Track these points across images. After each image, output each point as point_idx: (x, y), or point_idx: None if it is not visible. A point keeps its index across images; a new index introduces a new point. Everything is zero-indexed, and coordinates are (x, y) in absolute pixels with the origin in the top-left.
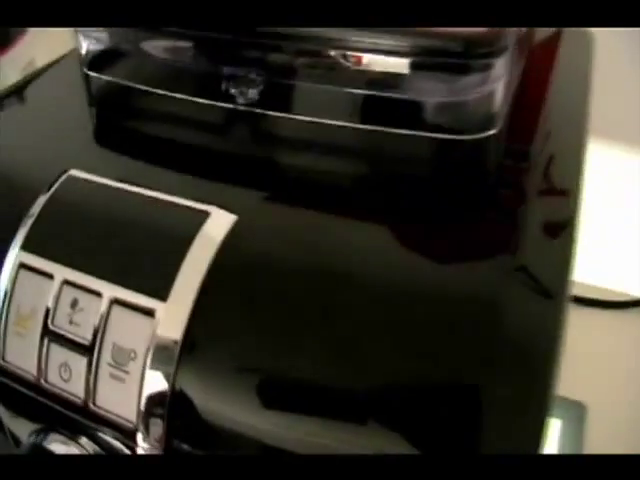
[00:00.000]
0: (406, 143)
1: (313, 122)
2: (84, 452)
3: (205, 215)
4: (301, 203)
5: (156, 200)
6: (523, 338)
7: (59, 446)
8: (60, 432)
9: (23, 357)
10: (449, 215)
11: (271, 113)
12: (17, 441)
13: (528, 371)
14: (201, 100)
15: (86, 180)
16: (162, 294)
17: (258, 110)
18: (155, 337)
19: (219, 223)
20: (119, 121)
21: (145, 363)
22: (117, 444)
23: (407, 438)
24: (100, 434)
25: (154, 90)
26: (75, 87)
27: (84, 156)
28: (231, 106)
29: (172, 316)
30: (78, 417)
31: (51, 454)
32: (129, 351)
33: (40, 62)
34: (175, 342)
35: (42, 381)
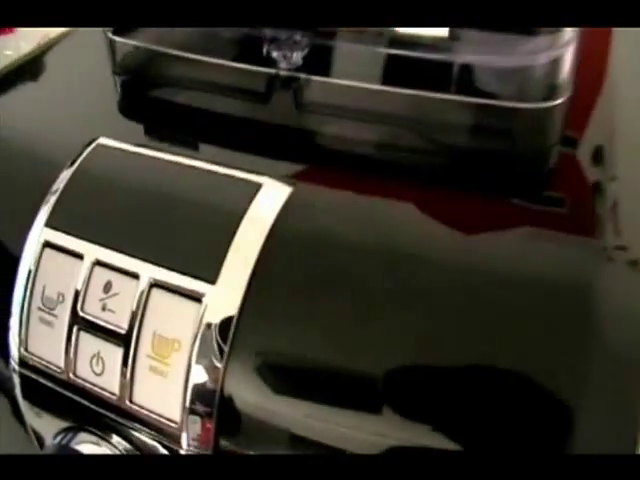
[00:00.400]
0: (468, 112)
1: (362, 88)
2: (116, 453)
3: (257, 187)
4: (354, 174)
5: (200, 171)
6: (621, 334)
7: (89, 447)
8: (90, 432)
9: (49, 347)
10: (517, 189)
11: (316, 78)
12: (41, 441)
13: (627, 375)
14: (239, 65)
15: (117, 149)
16: (210, 276)
17: (302, 75)
18: (202, 325)
19: (273, 196)
20: (147, 90)
21: (191, 354)
22: (156, 446)
23: (484, 433)
24: (137, 434)
25: (186, 55)
26: (96, 54)
27: (109, 127)
28: (272, 71)
29: (222, 301)
30: (112, 415)
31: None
32: (172, 341)
33: (53, 35)
34: (225, 330)
35: (71, 375)
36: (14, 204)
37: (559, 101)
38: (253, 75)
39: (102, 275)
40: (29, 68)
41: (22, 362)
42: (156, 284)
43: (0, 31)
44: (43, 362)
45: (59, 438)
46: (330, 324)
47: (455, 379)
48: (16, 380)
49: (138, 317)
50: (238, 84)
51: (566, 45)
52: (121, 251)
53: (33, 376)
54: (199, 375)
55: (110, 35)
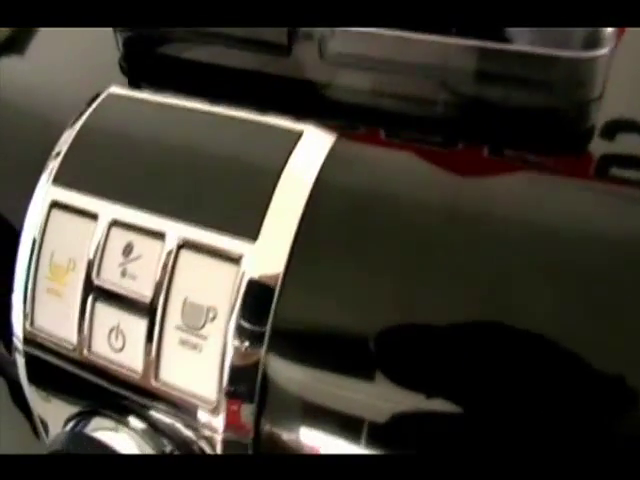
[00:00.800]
0: (503, 61)
1: (388, 36)
2: (136, 440)
3: (297, 135)
4: (386, 128)
5: (230, 119)
6: None
7: (105, 434)
8: (106, 416)
9: (59, 321)
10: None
11: (339, 28)
12: (48, 430)
13: None
14: None
15: (132, 98)
16: (250, 233)
17: (324, 28)
18: (241, 288)
19: (315, 145)
20: (155, 45)
21: (228, 324)
22: (184, 430)
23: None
24: (162, 417)
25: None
26: None
27: (117, 82)
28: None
29: (264, 261)
30: (133, 396)
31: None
32: (206, 309)
33: None
34: (270, 293)
35: (85, 351)
36: (15, 164)
37: (603, 51)
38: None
39: (121, 236)
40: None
41: (27, 339)
42: (185, 244)
43: None
44: (52, 338)
45: (71, 425)
46: (382, 282)
47: (526, 342)
48: (20, 360)
49: (165, 283)
50: (257, 37)
51: None
52: (143, 209)
53: (40, 355)
54: (239, 346)
55: None
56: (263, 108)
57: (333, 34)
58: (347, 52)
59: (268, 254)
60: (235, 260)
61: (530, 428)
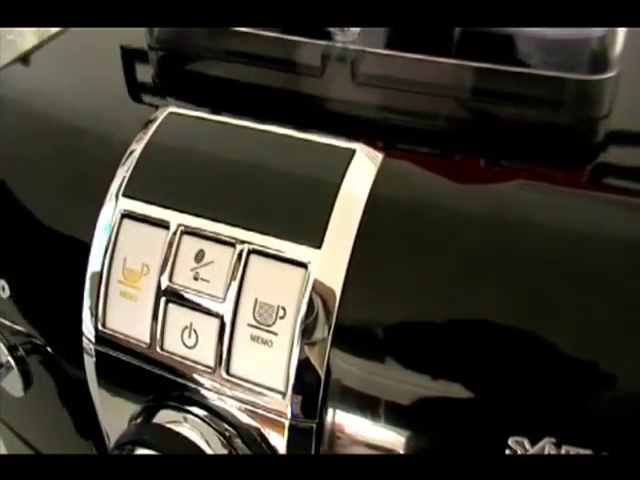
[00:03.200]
0: (521, 82)
1: (415, 59)
2: (203, 429)
3: (351, 153)
4: (416, 144)
5: (286, 137)
6: None
7: (174, 424)
8: (173, 408)
9: (131, 322)
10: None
11: (371, 50)
12: (113, 427)
13: None
14: (292, 37)
15: (192, 116)
16: (315, 241)
17: (357, 47)
18: (308, 289)
19: (367, 160)
20: (189, 64)
21: (297, 321)
22: (246, 420)
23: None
24: (228, 407)
25: (234, 28)
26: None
27: (159, 103)
28: (325, 44)
29: (329, 265)
30: (203, 389)
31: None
32: (277, 307)
33: None
34: (333, 294)
35: (157, 349)
36: (79, 179)
37: (611, 74)
38: (305, 48)
39: (192, 244)
40: (61, 46)
41: (99, 339)
42: (255, 251)
43: None
44: (125, 338)
45: (141, 418)
46: (439, 283)
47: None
48: (89, 361)
49: (236, 285)
50: (288, 57)
51: None
52: (214, 219)
53: (112, 353)
54: (305, 342)
55: None
56: (299, 123)
57: (364, 56)
58: (377, 73)
59: (331, 260)
60: (302, 265)
61: None
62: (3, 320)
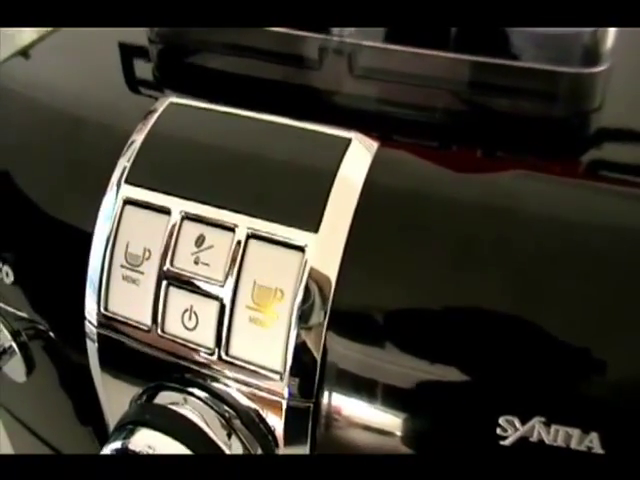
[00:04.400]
0: (515, 75)
1: (410, 52)
2: (203, 409)
3: (347, 141)
4: (411, 135)
5: (285, 125)
6: None
7: (175, 405)
8: (174, 389)
9: (133, 305)
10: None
11: (367, 43)
12: (113, 410)
13: None
14: (290, 31)
15: (192, 106)
16: (312, 225)
17: (353, 40)
18: (306, 272)
19: (363, 149)
20: (188, 57)
21: (294, 303)
22: (245, 400)
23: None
24: (227, 388)
25: None
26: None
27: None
28: (322, 37)
29: (325, 249)
30: (203, 370)
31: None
32: (274, 290)
33: None
34: (329, 278)
35: (158, 331)
36: (81, 167)
37: (602, 67)
38: (303, 41)
39: (193, 229)
40: (61, 39)
41: (101, 322)
42: (254, 235)
43: None
44: (126, 320)
45: (144, 399)
46: (433, 266)
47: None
48: (92, 345)
49: (236, 268)
50: (287, 50)
51: None
52: (214, 205)
53: (114, 336)
54: (304, 323)
55: None
56: (297, 115)
57: (361, 49)
58: (374, 66)
59: (328, 244)
60: (300, 249)
61: None
62: (6, 306)
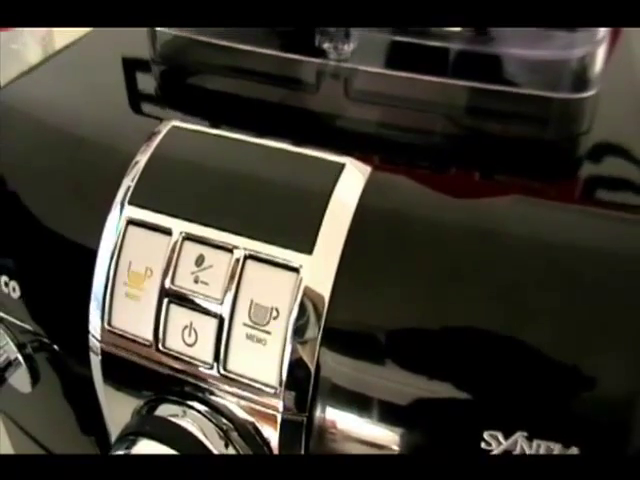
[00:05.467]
0: (505, 100)
1: (405, 77)
2: (201, 422)
3: (340, 166)
4: (404, 158)
5: (281, 150)
6: None
7: (174, 417)
8: (174, 402)
9: (136, 321)
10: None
11: (363, 68)
12: (115, 423)
13: None
14: (289, 55)
15: (193, 130)
16: (306, 247)
17: (350, 65)
18: (300, 291)
19: (356, 173)
20: (190, 79)
21: (289, 321)
22: (245, 412)
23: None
24: (225, 402)
25: (231, 45)
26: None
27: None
28: (320, 61)
29: (319, 270)
30: (201, 384)
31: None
32: (270, 309)
33: (58, 30)
34: (323, 297)
35: (159, 346)
36: (85, 188)
37: (591, 93)
38: (298, 65)
39: (193, 249)
40: (66, 60)
41: (104, 337)
42: (251, 256)
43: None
44: (129, 336)
45: (144, 411)
46: (420, 288)
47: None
48: (95, 358)
49: (234, 287)
50: (285, 73)
51: (600, 42)
52: (213, 226)
53: (116, 351)
54: (297, 341)
55: None
56: (293, 137)
57: (357, 74)
58: (369, 90)
59: (322, 265)
60: (295, 269)
61: None
62: (13, 319)
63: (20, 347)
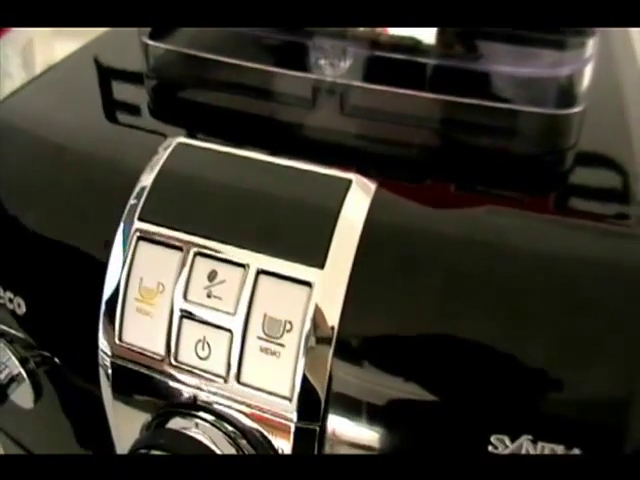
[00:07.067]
0: (494, 115)
1: (400, 94)
2: (209, 436)
3: (347, 182)
4: (400, 174)
5: (289, 168)
6: None
7: (187, 430)
8: (186, 415)
9: (147, 336)
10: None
11: (359, 84)
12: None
13: None
14: (285, 71)
15: (199, 147)
16: (318, 262)
17: (345, 81)
18: (312, 305)
19: (363, 189)
20: (186, 93)
21: (301, 334)
22: (254, 424)
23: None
24: (238, 414)
25: (227, 60)
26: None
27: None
28: (316, 77)
29: (331, 284)
30: (215, 397)
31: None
32: (284, 322)
33: (38, 42)
34: (335, 310)
35: (172, 360)
36: (96, 204)
37: (577, 109)
38: (296, 81)
39: (205, 265)
40: (56, 77)
41: (115, 353)
42: (264, 271)
43: None
44: (140, 350)
45: (155, 424)
46: (429, 301)
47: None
48: (106, 373)
49: (247, 302)
50: (281, 89)
51: (587, 60)
52: (224, 242)
53: (127, 365)
54: (310, 353)
55: (145, 39)
56: (289, 153)
57: (352, 89)
58: (364, 106)
59: (333, 279)
60: (307, 283)
61: None
62: (16, 333)
63: (23, 362)
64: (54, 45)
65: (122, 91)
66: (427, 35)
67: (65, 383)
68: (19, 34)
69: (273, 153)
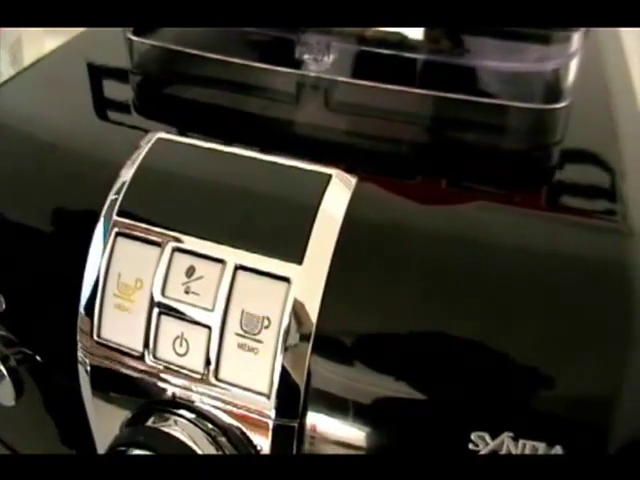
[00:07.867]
0: (481, 111)
1: (384, 89)
2: (188, 433)
3: (327, 177)
4: (383, 169)
5: (269, 163)
6: None
7: (166, 427)
8: (164, 412)
9: (126, 332)
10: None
11: (343, 79)
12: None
13: None
14: (269, 67)
15: (179, 142)
16: (296, 258)
17: (329, 77)
18: (290, 300)
19: (343, 184)
20: (167, 89)
21: (280, 330)
22: (233, 421)
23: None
24: (217, 410)
25: (211, 56)
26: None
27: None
28: (300, 73)
29: (309, 280)
30: (193, 393)
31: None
32: (262, 318)
33: (26, 40)
34: (313, 306)
35: (150, 357)
36: (75, 200)
37: (563, 104)
38: (280, 76)
39: (183, 260)
40: (40, 73)
41: (94, 350)
42: (242, 267)
43: None
44: (118, 347)
45: (134, 422)
46: (410, 297)
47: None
48: (84, 370)
49: (224, 298)
50: (266, 85)
51: (573, 55)
52: (203, 238)
53: (106, 363)
54: (288, 349)
55: (129, 35)
56: (274, 149)
57: (336, 85)
58: (348, 101)
59: (311, 275)
60: (285, 279)
61: None
62: None
63: (3, 360)
64: (43, 42)
65: (107, 87)
66: (413, 30)
67: (46, 380)
68: (7, 31)
69: (254, 148)
